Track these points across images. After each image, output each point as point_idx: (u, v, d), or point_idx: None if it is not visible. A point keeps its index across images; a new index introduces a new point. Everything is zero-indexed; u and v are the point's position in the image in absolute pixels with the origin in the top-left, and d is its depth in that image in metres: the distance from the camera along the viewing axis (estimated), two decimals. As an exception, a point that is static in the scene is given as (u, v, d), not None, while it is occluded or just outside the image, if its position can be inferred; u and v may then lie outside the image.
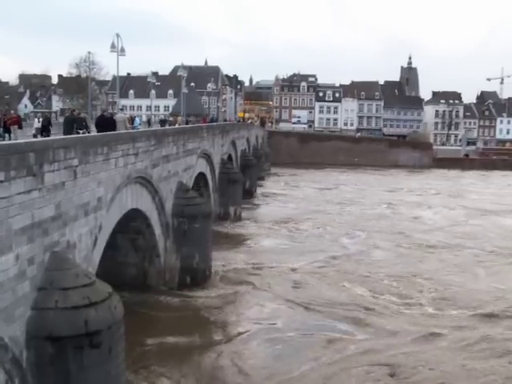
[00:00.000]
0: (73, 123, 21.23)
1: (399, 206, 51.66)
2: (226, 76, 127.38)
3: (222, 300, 22.66)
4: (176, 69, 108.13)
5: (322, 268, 28.61)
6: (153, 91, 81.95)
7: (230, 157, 46.86)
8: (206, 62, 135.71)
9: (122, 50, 36.30)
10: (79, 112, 27.98)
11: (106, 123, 21.85)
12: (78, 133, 19.86)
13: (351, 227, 40.22)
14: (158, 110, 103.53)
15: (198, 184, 32.53)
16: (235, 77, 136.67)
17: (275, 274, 26.94)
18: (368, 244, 34.83)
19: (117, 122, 23.07)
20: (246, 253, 30.88)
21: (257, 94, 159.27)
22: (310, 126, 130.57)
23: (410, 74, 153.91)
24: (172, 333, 19.16)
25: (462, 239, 37.06)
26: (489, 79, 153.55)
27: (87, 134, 19.24)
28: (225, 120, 73.87)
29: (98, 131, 20.95)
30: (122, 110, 52.13)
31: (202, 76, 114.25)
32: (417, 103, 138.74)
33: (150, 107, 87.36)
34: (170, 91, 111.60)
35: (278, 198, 54.25)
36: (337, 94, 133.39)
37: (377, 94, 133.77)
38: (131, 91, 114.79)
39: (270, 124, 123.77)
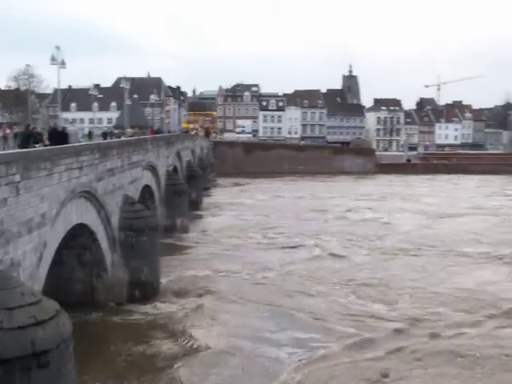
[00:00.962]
0: (29, 137, 21.05)
1: (358, 212, 52.42)
2: (169, 87, 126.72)
3: (171, 315, 22.32)
4: (118, 81, 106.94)
5: (270, 277, 28.69)
6: (95, 104, 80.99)
7: (175, 168, 46.63)
8: (148, 74, 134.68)
9: (63, 62, 35.59)
10: (34, 126, 27.55)
11: (59, 136, 21.70)
12: (35, 147, 19.67)
13: (308, 234, 40.40)
14: (101, 123, 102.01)
15: (144, 196, 32.23)
16: (178, 88, 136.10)
17: (224, 285, 26.84)
18: (321, 249, 35.29)
19: (69, 136, 22.88)
20: (195, 264, 30.73)
21: (200, 105, 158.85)
22: (255, 136, 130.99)
23: (351, 82, 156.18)
24: (119, 353, 18.75)
25: (428, 241, 37.82)
26: (427, 86, 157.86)
27: (33, 149, 18.90)
28: (169, 131, 73.42)
29: (51, 144, 20.77)
30: (72, 123, 51.37)
31: (144, 87, 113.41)
32: (359, 110, 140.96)
33: (93, 120, 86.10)
34: (113, 103, 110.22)
35: (224, 208, 54.20)
36: (280, 103, 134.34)
37: (319, 102, 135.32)
38: (73, 104, 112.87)
39: (214, 134, 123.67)
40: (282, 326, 21.60)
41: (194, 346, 19.44)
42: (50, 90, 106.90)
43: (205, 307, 23.33)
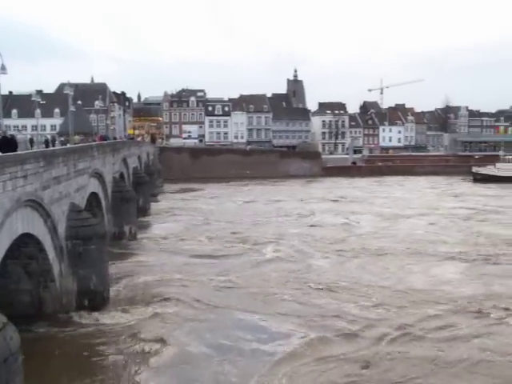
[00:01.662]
0: None
1: (313, 215, 52.94)
2: (114, 93, 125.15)
3: (122, 324, 21.97)
4: (61, 86, 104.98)
5: (224, 281, 28.68)
6: (38, 110, 79.19)
7: (122, 175, 46.10)
8: (92, 79, 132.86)
9: (3, 67, 34.77)
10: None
11: (9, 144, 21.31)
12: None
13: (264, 238, 40.64)
14: (45, 130, 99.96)
15: (91, 204, 31.74)
16: (123, 93, 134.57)
17: (175, 291, 26.64)
18: (276, 253, 35.64)
19: (18, 143, 22.45)
20: (144, 271, 30.40)
21: (146, 111, 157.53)
22: (201, 141, 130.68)
23: (296, 86, 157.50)
24: (69, 365, 18.42)
25: (390, 243, 38.63)
26: (370, 90, 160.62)
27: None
28: (114, 138, 72.50)
29: (1, 152, 20.33)
30: (21, 131, 49.96)
31: (89, 93, 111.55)
32: (304, 114, 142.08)
33: (36, 127, 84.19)
34: (57, 110, 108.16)
35: (172, 214, 53.86)
36: (226, 108, 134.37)
37: (265, 106, 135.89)
38: (14, 110, 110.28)
39: (160, 140, 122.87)
40: (238, 330, 21.68)
41: (147, 357, 19.15)
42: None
43: (156, 315, 23.12)
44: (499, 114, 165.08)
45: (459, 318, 23.03)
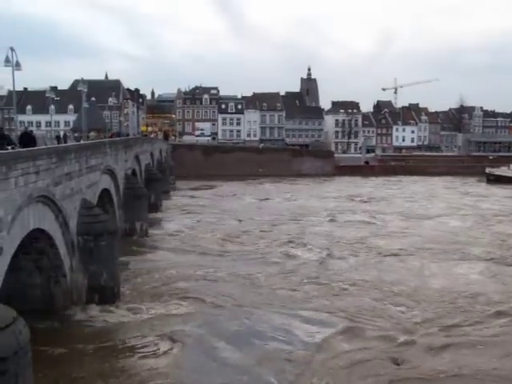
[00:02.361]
0: (2, 139, 20.87)
1: (337, 214, 52.69)
2: (128, 90, 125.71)
3: (132, 321, 21.97)
4: (76, 83, 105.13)
5: (233, 279, 28.69)
6: (52, 106, 79.77)
7: (134, 172, 46.26)
8: (106, 76, 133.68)
9: (18, 64, 34.96)
10: (1, 128, 27.10)
11: (29, 140, 22.06)
12: (7, 149, 19.51)
13: (283, 238, 40.33)
14: (59, 126, 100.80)
15: (103, 200, 31.91)
16: (137, 90, 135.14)
17: (187, 288, 26.60)
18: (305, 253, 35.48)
19: (37, 139, 22.82)
20: (155, 268, 30.43)
21: (159, 108, 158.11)
22: (214, 139, 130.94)
23: (309, 84, 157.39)
24: (79, 361, 18.31)
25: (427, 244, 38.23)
26: (384, 89, 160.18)
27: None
28: (127, 134, 72.80)
29: (22, 147, 20.94)
30: (39, 127, 50.42)
31: (102, 90, 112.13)
32: (317, 113, 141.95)
33: (50, 123, 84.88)
34: (71, 106, 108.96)
35: (184, 211, 53.99)
36: (239, 106, 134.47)
37: (278, 104, 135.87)
38: (29, 107, 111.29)
39: (173, 137, 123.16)
40: (255, 329, 21.67)
41: (155, 355, 19.07)
42: (4, 92, 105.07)
43: (166, 312, 23.14)
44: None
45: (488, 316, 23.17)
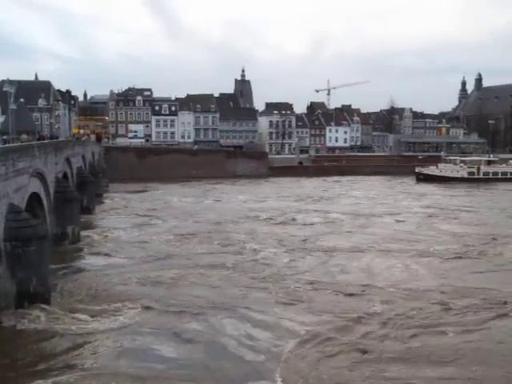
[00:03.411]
0: None
1: (287, 214, 53.15)
2: (59, 91, 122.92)
3: (63, 328, 21.35)
4: (2, 84, 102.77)
5: (174, 282, 28.45)
6: (-23, 108, 77.52)
7: (65, 175, 45.41)
8: (36, 77, 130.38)
9: None
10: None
11: None
12: None
13: (216, 238, 40.39)
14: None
15: (32, 205, 31.19)
16: (68, 92, 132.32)
17: (120, 293, 26.13)
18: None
19: None
20: (87, 273, 29.99)
21: (92, 109, 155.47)
22: (148, 141, 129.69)
23: (243, 86, 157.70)
24: (6, 371, 17.79)
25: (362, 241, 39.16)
26: (317, 91, 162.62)
27: None
28: (55, 137, 71.15)
29: None
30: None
31: (32, 91, 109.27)
32: (251, 114, 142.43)
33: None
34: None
35: (118, 214, 53.38)
36: (173, 108, 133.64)
37: (212, 106, 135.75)
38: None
39: (106, 139, 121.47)
40: (197, 333, 21.46)
41: (90, 367, 18.44)
42: None
43: (98, 317, 22.66)
44: (441, 116, 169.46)
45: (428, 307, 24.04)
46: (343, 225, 47.24)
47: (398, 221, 49.31)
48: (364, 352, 19.28)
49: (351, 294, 26.09)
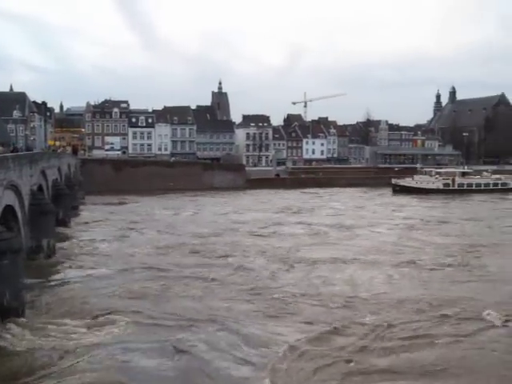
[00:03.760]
0: None
1: (270, 226, 52.86)
2: (34, 102, 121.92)
3: (37, 345, 20.62)
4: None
5: (155, 296, 27.90)
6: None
7: (40, 187, 44.90)
8: (11, 88, 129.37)
9: None
10: None
11: None
12: None
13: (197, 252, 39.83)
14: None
15: (6, 217, 30.73)
16: (44, 103, 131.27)
17: (97, 308, 25.43)
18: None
19: None
20: (63, 286, 29.50)
21: (68, 121, 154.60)
22: (124, 153, 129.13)
23: (220, 98, 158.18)
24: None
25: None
26: (294, 103, 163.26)
27: None
28: (31, 149, 70.51)
29: None
30: None
31: (6, 103, 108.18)
32: (228, 127, 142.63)
33: None
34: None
35: (94, 227, 52.80)
36: (150, 120, 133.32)
37: (189, 118, 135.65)
38: None
39: (82, 152, 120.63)
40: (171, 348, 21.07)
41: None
42: None
43: (73, 332, 22.28)
44: (417, 128, 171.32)
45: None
46: (325, 236, 47.17)
47: (379, 232, 49.47)
48: (349, 362, 19.23)
49: (335, 306, 25.83)
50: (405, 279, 31.37)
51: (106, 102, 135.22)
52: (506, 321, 23.49)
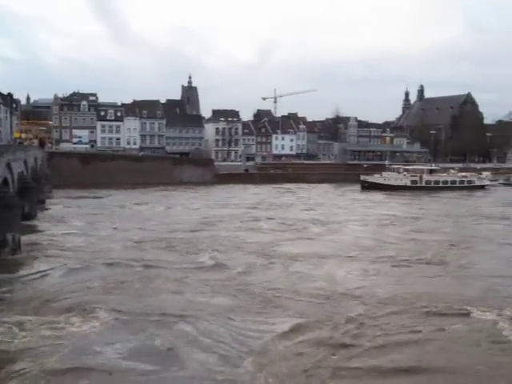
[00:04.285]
0: None
1: (246, 222, 52.18)
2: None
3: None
4: None
5: (124, 291, 27.19)
6: None
7: (5, 180, 44.01)
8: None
9: None
10: None
11: None
12: None
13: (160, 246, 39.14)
14: None
15: (-30, 211, 30.04)
16: (10, 95, 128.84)
17: (66, 305, 24.60)
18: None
19: None
20: (29, 282, 28.79)
21: (35, 114, 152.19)
22: (93, 146, 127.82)
23: (190, 93, 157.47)
24: None
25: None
26: (264, 98, 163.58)
27: None
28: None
29: None
30: None
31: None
32: (198, 121, 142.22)
33: None
34: None
35: (61, 221, 51.84)
36: (119, 113, 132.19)
37: (159, 112, 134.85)
38: None
39: (49, 145, 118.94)
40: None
41: None
42: None
43: (44, 331, 21.72)
44: (386, 126, 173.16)
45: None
46: (302, 231, 46.83)
47: (353, 228, 49.35)
48: (332, 354, 19.20)
49: (314, 301, 25.66)
50: (381, 275, 31.12)
51: (74, 94, 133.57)
52: (485, 315, 23.62)
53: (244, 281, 29.38)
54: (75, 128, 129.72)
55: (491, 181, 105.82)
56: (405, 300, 25.82)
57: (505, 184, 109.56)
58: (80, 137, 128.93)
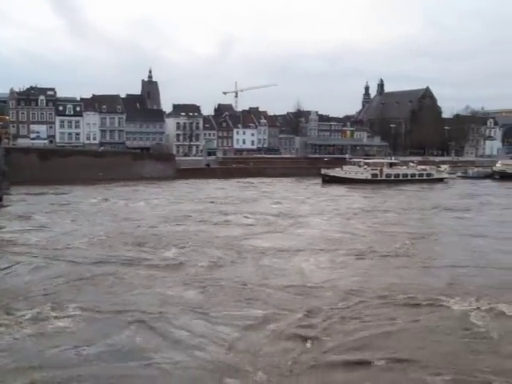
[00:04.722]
0: None
1: (212, 217, 51.33)
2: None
3: None
4: None
5: (92, 287, 26.75)
6: None
7: (-37, 176, 43.01)
8: None
9: None
10: None
11: None
12: None
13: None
14: None
15: None
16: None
17: (30, 301, 24.26)
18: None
19: None
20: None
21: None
22: (51, 142, 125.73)
23: (150, 87, 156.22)
24: None
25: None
26: (225, 93, 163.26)
27: None
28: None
29: None
30: None
31: None
32: (158, 116, 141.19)
33: None
34: None
35: (21, 218, 50.81)
36: (78, 108, 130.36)
37: (119, 107, 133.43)
38: None
39: (6, 140, 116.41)
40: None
41: None
42: None
43: (11, 328, 21.27)
44: (346, 119, 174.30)
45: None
46: (269, 225, 46.63)
47: (321, 221, 49.40)
48: (304, 346, 19.25)
49: (285, 294, 25.62)
50: (350, 267, 31.34)
51: (31, 88, 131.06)
52: (454, 304, 23.95)
53: (214, 275, 29.22)
54: (33, 123, 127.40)
55: (449, 174, 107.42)
56: (374, 291, 26.03)
57: (463, 177, 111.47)
58: (38, 132, 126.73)
